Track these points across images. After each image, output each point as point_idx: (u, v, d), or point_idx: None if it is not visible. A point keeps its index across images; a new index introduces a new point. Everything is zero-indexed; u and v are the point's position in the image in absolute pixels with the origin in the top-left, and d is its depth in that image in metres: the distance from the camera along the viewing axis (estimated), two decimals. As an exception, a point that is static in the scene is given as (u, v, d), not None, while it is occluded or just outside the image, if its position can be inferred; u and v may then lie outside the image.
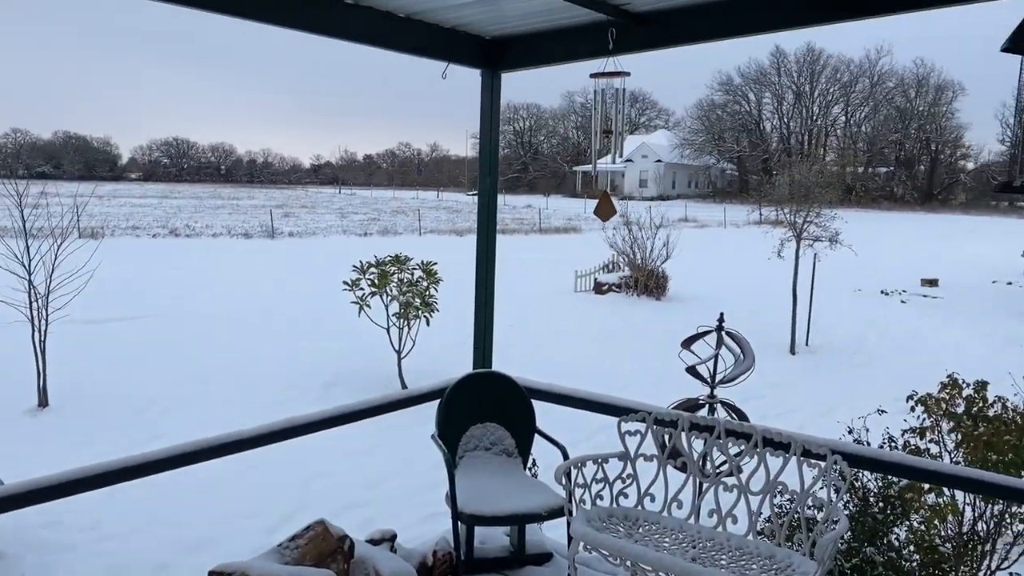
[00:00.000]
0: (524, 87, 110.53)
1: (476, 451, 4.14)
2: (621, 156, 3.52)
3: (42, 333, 8.60)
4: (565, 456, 3.84)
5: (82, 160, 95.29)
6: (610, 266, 19.05)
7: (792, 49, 75.25)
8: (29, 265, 8.64)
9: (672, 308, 16.22)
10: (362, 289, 9.40)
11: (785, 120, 77.55)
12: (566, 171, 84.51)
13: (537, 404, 4.28)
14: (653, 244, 17.94)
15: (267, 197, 61.69)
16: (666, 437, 3.64)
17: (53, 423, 8.07)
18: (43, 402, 8.45)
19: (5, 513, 2.95)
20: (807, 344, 12.84)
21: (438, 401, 4.13)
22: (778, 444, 3.32)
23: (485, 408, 4.17)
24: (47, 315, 8.69)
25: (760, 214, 16.00)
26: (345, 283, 9.45)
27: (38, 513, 5.15)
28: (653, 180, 74.26)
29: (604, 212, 3.53)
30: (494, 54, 4.12)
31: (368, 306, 9.36)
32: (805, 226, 13.68)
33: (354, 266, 9.57)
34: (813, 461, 3.24)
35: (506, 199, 67.22)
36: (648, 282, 17.59)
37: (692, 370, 4.34)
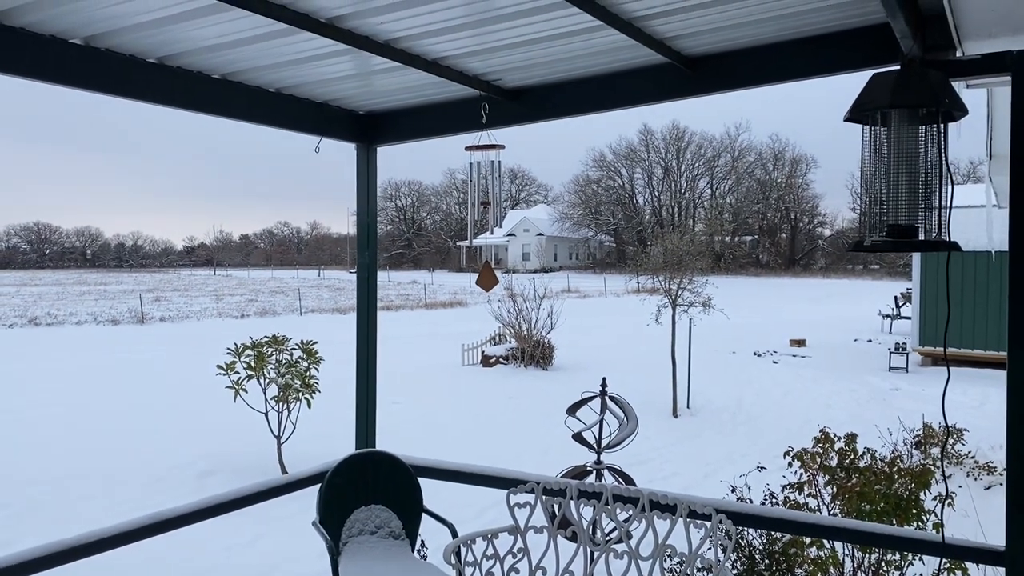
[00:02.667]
0: (405, 165, 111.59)
1: (361, 536, 3.96)
2: (501, 228, 3.56)
3: None
4: (454, 534, 3.73)
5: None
6: (497, 338, 19.12)
7: (659, 127, 79.60)
8: None
9: (559, 377, 16.37)
10: (238, 373, 9.01)
11: (656, 193, 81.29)
12: (450, 246, 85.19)
13: (425, 482, 4.16)
14: (538, 315, 18.17)
15: (137, 281, 59.01)
16: (556, 507, 3.60)
17: None
18: None
19: None
20: (688, 407, 13.18)
21: (318, 486, 3.95)
22: (665, 506, 3.34)
23: (369, 490, 4.02)
24: None
25: (637, 282, 16.55)
26: (219, 367, 9.04)
27: None
28: (535, 253, 75.85)
29: (486, 282, 3.54)
30: (368, 129, 4.12)
31: (244, 390, 8.95)
32: (679, 292, 14.21)
33: (228, 349, 9.18)
34: (699, 522, 3.26)
35: (391, 275, 66.95)
36: (534, 352, 17.73)
37: (579, 437, 4.34)
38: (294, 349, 9.29)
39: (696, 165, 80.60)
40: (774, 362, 18.68)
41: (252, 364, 9.01)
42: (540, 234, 76.60)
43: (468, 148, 3.61)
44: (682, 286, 14.23)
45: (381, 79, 3.56)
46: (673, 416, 12.69)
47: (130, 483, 8.77)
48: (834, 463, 5.15)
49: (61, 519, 7.45)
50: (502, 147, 3.61)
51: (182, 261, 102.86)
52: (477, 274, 3.78)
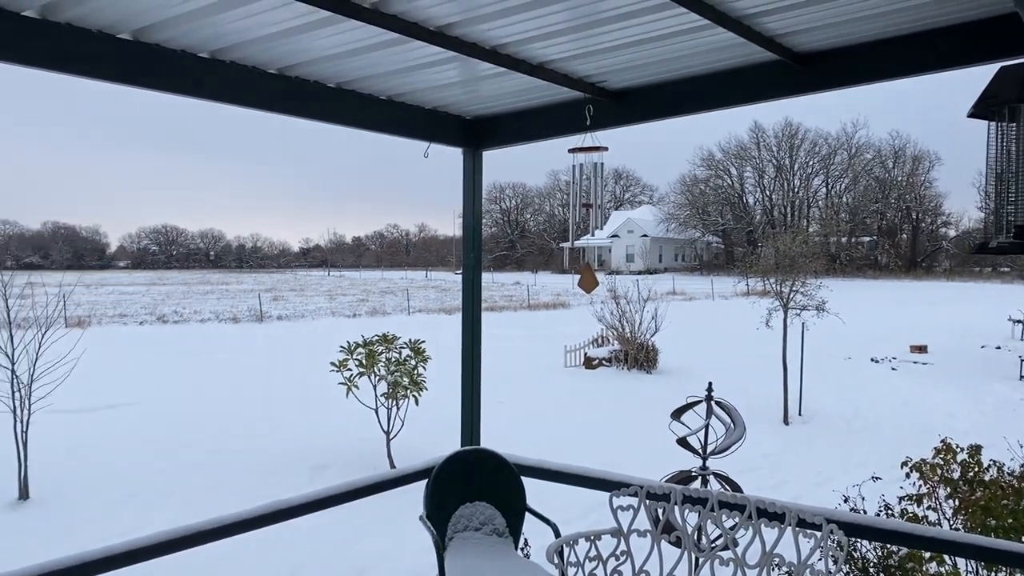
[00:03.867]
0: (510, 167, 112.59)
1: (466, 532, 4.04)
2: (602, 229, 3.56)
3: (24, 423, 8.45)
4: (557, 534, 3.76)
5: (71, 250, 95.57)
6: (599, 340, 19.03)
7: (770, 124, 77.47)
8: (12, 355, 8.56)
9: (663, 380, 16.15)
10: (350, 370, 9.33)
11: (767, 193, 78.98)
12: (553, 248, 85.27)
13: (528, 481, 4.20)
14: (641, 317, 17.98)
15: (256, 281, 61.78)
16: (659, 511, 3.57)
17: (34, 516, 7.85)
18: (23, 494, 8.24)
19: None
20: (800, 414, 12.75)
21: (425, 481, 4.06)
22: (773, 515, 3.26)
23: (474, 487, 4.09)
24: (30, 405, 8.56)
25: (747, 285, 16.06)
26: (332, 364, 9.39)
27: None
28: (639, 254, 74.98)
29: (587, 284, 3.55)
30: (474, 133, 4.20)
31: (356, 387, 9.27)
32: (792, 295, 13.77)
33: (341, 347, 9.52)
34: (809, 532, 3.17)
35: (494, 276, 67.64)
36: (638, 355, 17.55)
37: (683, 441, 4.29)
38: (403, 348, 9.54)
39: (810, 163, 77.85)
40: (892, 368, 17.83)
41: (363, 362, 9.32)
42: (645, 235, 75.68)
43: (571, 150, 3.63)
44: (794, 289, 13.78)
45: (487, 84, 3.62)
46: (784, 423, 12.31)
47: (248, 474, 9.21)
48: (956, 475, 4.89)
49: (185, 506, 7.90)
50: (605, 149, 3.61)
51: (298, 262, 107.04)
52: (579, 276, 3.79)
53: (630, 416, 12.74)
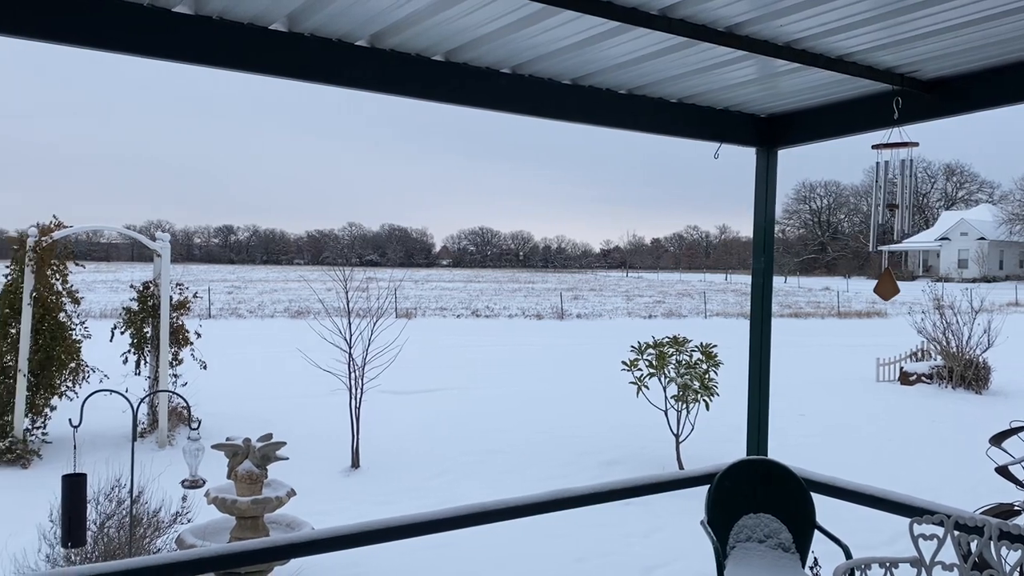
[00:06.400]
0: (820, 164, 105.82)
1: (749, 543, 3.94)
2: (907, 233, 3.27)
3: (357, 401, 9.68)
4: (848, 556, 3.53)
5: (402, 249, 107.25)
6: (919, 354, 17.24)
7: None
8: (350, 340, 9.83)
9: (994, 403, 14.23)
10: (640, 370, 9.44)
11: None
12: (869, 251, 78.67)
13: (819, 499, 3.99)
14: (971, 330, 15.99)
15: (559, 280, 64.53)
16: (972, 545, 3.21)
17: (363, 482, 8.96)
18: (355, 463, 9.43)
19: (316, 555, 3.38)
20: None
21: (707, 487, 4.02)
22: (1116, 567, 2.79)
23: (758, 497, 3.97)
24: (363, 385, 9.78)
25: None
26: (623, 363, 9.56)
27: (345, 565, 5.74)
28: (975, 259, 66.55)
29: (885, 290, 3.28)
30: (769, 132, 4.07)
31: (646, 387, 9.35)
32: None
33: (632, 346, 9.66)
34: None
35: (800, 281, 64.03)
36: (965, 373, 15.63)
37: (1003, 470, 3.79)
38: (694, 351, 9.44)
39: None
40: None
41: (653, 363, 9.37)
42: (982, 238, 66.98)
43: (875, 147, 3.38)
44: None
45: (783, 81, 3.50)
46: None
47: (542, 463, 9.69)
48: None
49: (485, 486, 8.52)
50: (915, 144, 3.31)
51: (598, 263, 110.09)
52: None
53: (948, 440, 11.41)
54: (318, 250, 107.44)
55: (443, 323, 29.33)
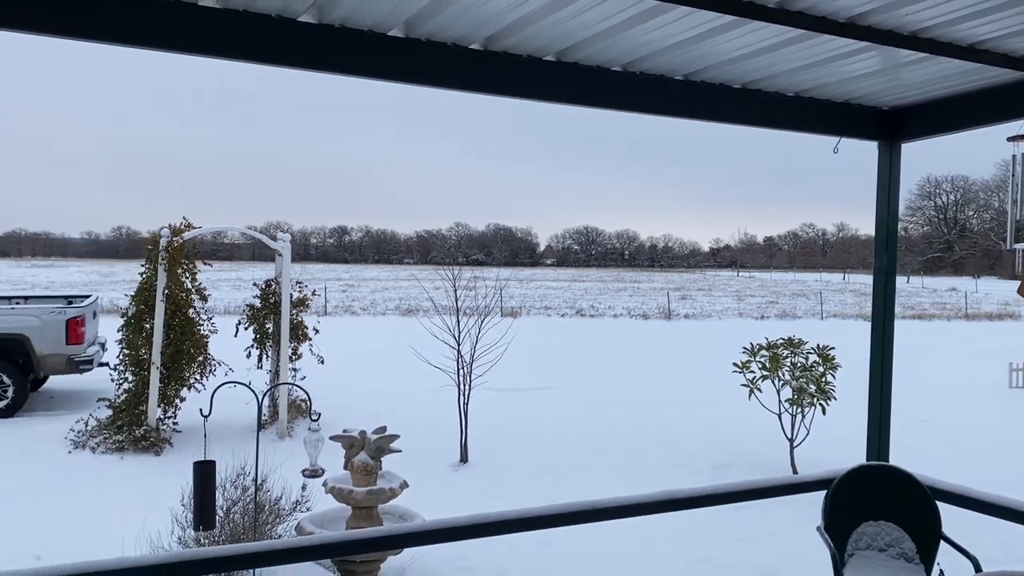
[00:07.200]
0: (946, 158, 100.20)
1: (868, 551, 3.80)
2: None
3: (466, 397, 9.84)
4: (977, 569, 3.35)
5: (508, 248, 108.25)
6: (1057, 360, 16.11)
7: None
8: (458, 338, 10.01)
9: None
10: (752, 372, 9.20)
11: None
12: (1002, 250, 73.98)
13: (946, 508, 3.80)
14: (1118, 335, 14.82)
15: (666, 280, 63.63)
16: (1117, 565, 2.99)
17: (471, 477, 9.11)
18: (464, 458, 9.59)
19: (427, 545, 3.46)
20: None
21: (824, 492, 3.89)
22: None
23: (879, 505, 3.82)
24: (471, 381, 9.94)
25: None
26: (735, 365, 9.34)
27: (454, 557, 5.86)
28: (1125, 259, 61.49)
29: (1024, 290, 3.09)
30: (891, 125, 3.91)
31: (759, 390, 9.11)
32: None
33: (744, 348, 9.42)
34: None
35: (924, 281, 60.92)
36: (1112, 381, 14.51)
37: None
38: (810, 353, 9.14)
39: None
40: None
41: (767, 365, 9.12)
42: None
43: (1011, 139, 3.20)
44: None
45: (907, 72, 3.36)
46: None
47: (647, 464, 9.59)
48: None
49: (591, 485, 8.51)
50: (1056, 135, 3.11)
51: (707, 262, 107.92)
52: (1020, 281, 3.32)
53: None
54: (427, 250, 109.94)
55: (548, 322, 29.41)
